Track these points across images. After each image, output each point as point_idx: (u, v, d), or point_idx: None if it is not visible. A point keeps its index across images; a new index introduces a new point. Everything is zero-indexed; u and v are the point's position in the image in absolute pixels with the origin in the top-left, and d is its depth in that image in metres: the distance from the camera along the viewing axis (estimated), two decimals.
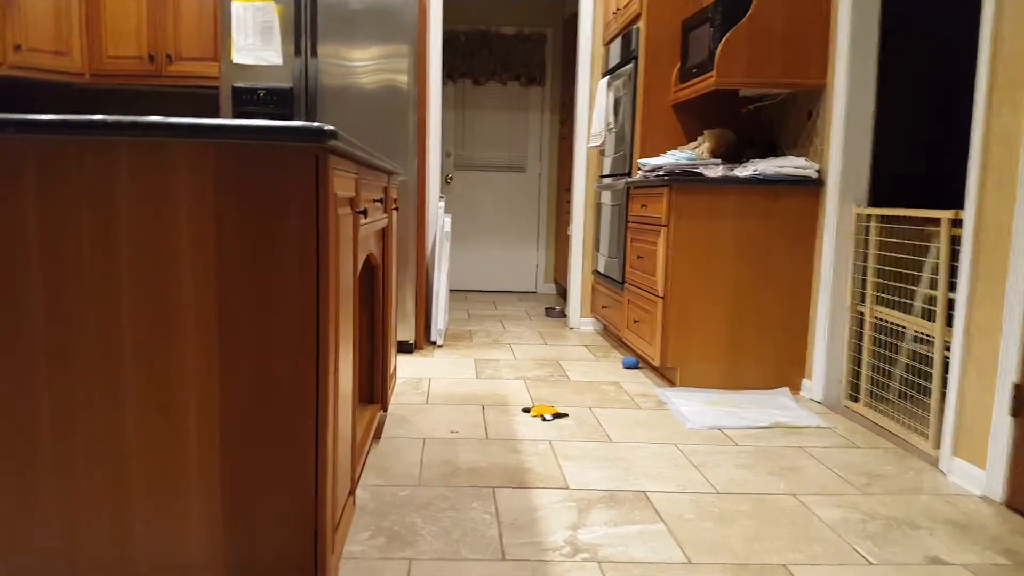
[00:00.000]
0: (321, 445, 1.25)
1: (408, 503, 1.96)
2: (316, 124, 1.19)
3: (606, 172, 4.42)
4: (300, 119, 3.53)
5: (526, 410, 2.85)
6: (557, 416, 2.78)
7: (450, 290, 6.45)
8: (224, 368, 1.22)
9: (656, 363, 3.31)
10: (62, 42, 3.80)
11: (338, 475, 1.42)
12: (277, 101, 3.48)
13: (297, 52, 3.49)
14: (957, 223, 2.48)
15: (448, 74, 6.18)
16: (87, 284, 1.20)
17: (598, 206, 4.55)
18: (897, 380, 2.98)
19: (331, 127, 1.20)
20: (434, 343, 4.07)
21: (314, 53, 3.49)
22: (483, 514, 1.91)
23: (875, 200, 3.19)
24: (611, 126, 4.26)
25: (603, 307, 4.37)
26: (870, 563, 1.75)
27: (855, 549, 1.82)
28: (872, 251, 2.92)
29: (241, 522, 1.25)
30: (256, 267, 1.21)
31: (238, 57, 3.46)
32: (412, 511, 1.91)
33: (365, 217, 1.68)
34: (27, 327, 1.21)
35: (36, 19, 3.70)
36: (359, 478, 2.09)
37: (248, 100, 3.47)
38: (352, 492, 1.63)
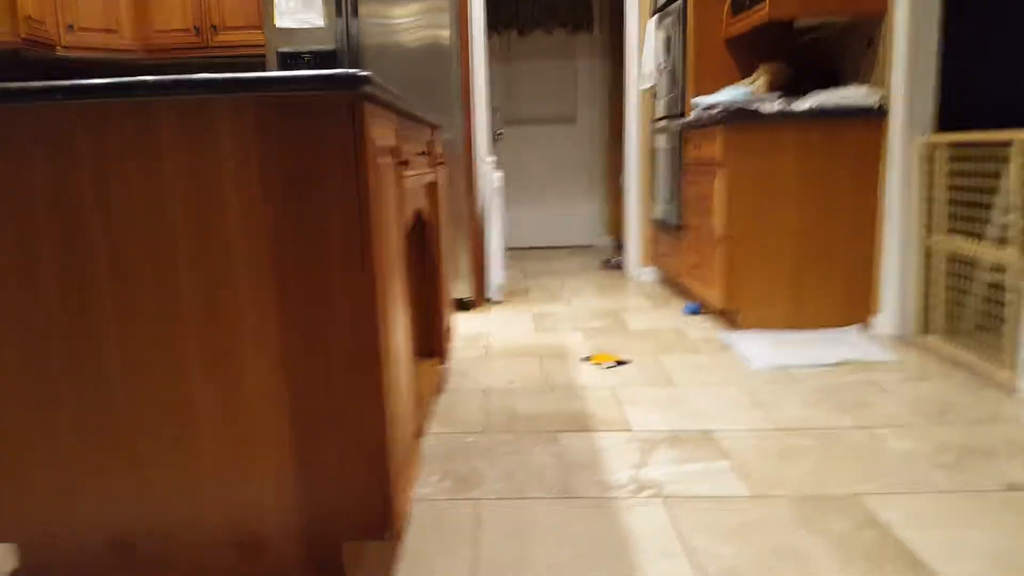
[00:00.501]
0: (382, 382, 1.27)
1: (473, 448, 1.99)
2: (350, 71, 1.18)
3: (659, 115, 4.31)
4: None
5: (586, 359, 2.84)
6: (619, 363, 2.76)
7: (505, 248, 6.45)
8: (282, 315, 1.25)
9: (718, 307, 3.25)
10: (111, 20, 3.89)
11: (403, 415, 1.45)
12: (321, 63, 3.50)
13: (338, 12, 3.49)
14: None
15: (492, 26, 6.08)
16: (143, 241, 1.24)
17: (652, 151, 4.45)
18: (971, 311, 2.85)
19: (365, 72, 1.19)
20: (491, 300, 4.09)
21: (355, 13, 3.49)
22: (546, 456, 1.92)
23: (943, 127, 3.02)
24: (662, 66, 4.14)
25: (661, 255, 4.30)
26: (945, 491, 1.70)
27: (929, 478, 1.76)
28: (941, 180, 2.78)
29: (311, 464, 1.30)
30: (302, 214, 1.23)
31: (281, 21, 3.48)
32: (477, 456, 1.94)
33: (407, 167, 1.67)
34: (91, 286, 1.26)
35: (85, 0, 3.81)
36: (424, 426, 2.14)
37: (293, 64, 3.50)
38: (418, 436, 1.68)
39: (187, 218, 1.23)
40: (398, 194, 1.56)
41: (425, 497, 1.72)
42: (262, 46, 3.80)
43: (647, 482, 1.77)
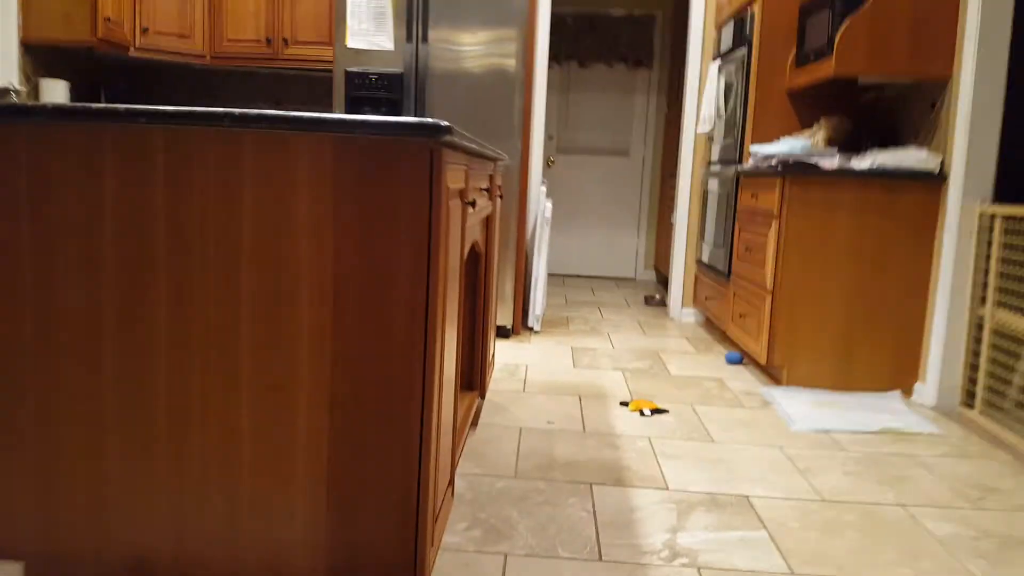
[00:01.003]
0: (426, 435, 1.28)
1: (505, 495, 1.98)
2: (432, 121, 1.20)
3: (714, 159, 4.29)
4: (409, 103, 3.60)
5: (624, 404, 2.82)
6: (656, 412, 2.74)
7: (548, 274, 6.45)
8: (337, 352, 1.27)
9: (762, 360, 3.21)
10: (186, 25, 4.01)
11: (440, 465, 1.45)
12: (388, 85, 3.56)
13: (408, 38, 3.55)
14: None
15: (554, 56, 6.13)
16: (209, 267, 1.27)
17: (704, 194, 4.43)
18: (1016, 389, 2.77)
19: (446, 123, 1.21)
20: (531, 328, 4.09)
21: (425, 39, 3.55)
22: (580, 511, 1.91)
23: (1002, 197, 2.96)
24: (721, 112, 4.13)
25: (706, 298, 4.27)
26: None
27: (967, 567, 1.71)
28: (996, 252, 2.72)
29: (344, 508, 1.30)
30: (369, 257, 1.25)
31: (352, 42, 3.55)
32: (508, 504, 1.93)
33: (473, 208, 1.69)
34: (150, 308, 1.29)
35: (162, 3, 3.93)
36: (457, 465, 2.13)
37: (360, 84, 3.56)
38: (451, 483, 1.67)
39: (255, 248, 1.26)
40: (462, 233, 1.58)
41: (453, 546, 1.69)
42: (330, 62, 3.88)
43: (682, 549, 1.75)
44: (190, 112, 1.24)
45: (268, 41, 4.02)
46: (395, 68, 3.56)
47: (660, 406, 2.80)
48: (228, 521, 1.32)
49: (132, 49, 3.85)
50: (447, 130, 1.21)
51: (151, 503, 1.33)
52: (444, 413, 1.47)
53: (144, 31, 3.86)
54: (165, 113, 1.24)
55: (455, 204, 1.46)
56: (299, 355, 1.28)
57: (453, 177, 1.41)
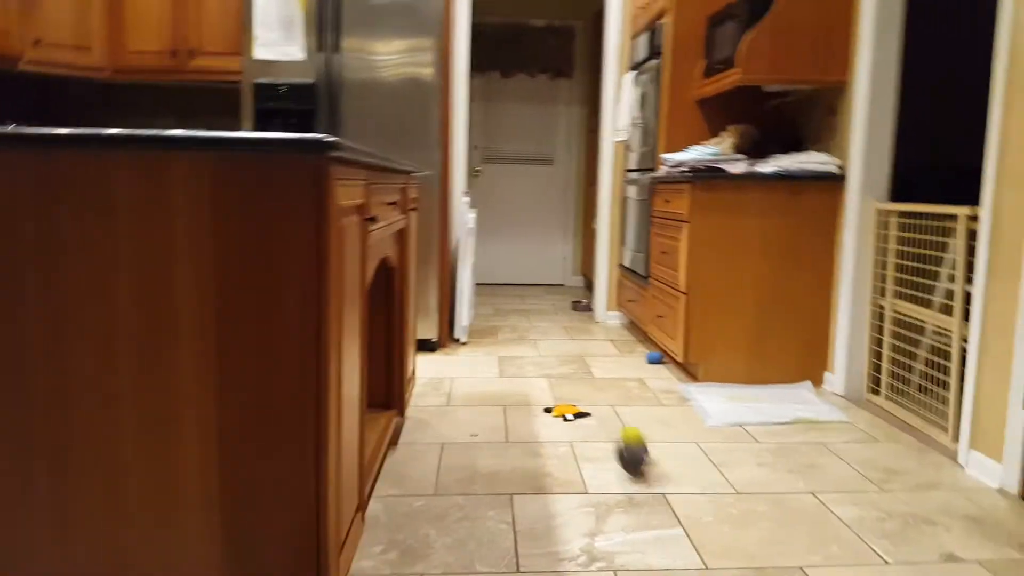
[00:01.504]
0: (323, 459, 1.25)
1: (423, 514, 1.95)
2: (317, 136, 1.19)
3: (632, 166, 4.38)
4: (323, 114, 3.55)
5: (548, 410, 2.85)
6: (579, 416, 2.77)
7: (477, 284, 6.46)
8: (223, 380, 1.22)
9: (679, 358, 3.28)
10: (83, 37, 3.79)
11: (343, 491, 1.43)
12: (299, 96, 3.50)
13: (320, 47, 3.51)
14: (975, 219, 2.42)
15: (476, 66, 6.16)
16: (84, 296, 1.21)
17: (624, 200, 4.52)
18: (917, 374, 2.92)
19: (333, 138, 1.20)
20: (458, 340, 4.08)
21: (337, 48, 3.51)
22: (499, 524, 1.90)
23: (897, 195, 3.12)
24: (637, 121, 4.22)
25: (629, 301, 4.35)
26: (886, 563, 1.73)
27: (872, 548, 1.79)
28: (892, 246, 2.87)
29: (240, 539, 1.25)
30: (256, 279, 1.22)
31: (260, 52, 3.48)
32: (426, 522, 1.90)
33: (374, 223, 1.68)
34: (23, 339, 1.21)
35: (56, 13, 3.67)
36: (372, 489, 2.09)
37: (270, 96, 3.50)
38: (361, 507, 1.63)
39: (132, 276, 1.20)
40: (362, 250, 1.56)
41: (367, 571, 1.66)
42: (238, 73, 3.78)
43: (599, 553, 1.77)
44: (57, 135, 1.18)
45: (173, 53, 3.90)
46: (306, 79, 3.51)
47: (583, 410, 2.83)
48: (117, 562, 1.26)
49: (22, 63, 3.64)
50: (334, 146, 1.20)
51: (31, 548, 1.26)
52: (346, 436, 1.45)
53: (36, 43, 3.66)
54: (30, 136, 1.18)
55: (351, 221, 1.44)
56: (183, 386, 1.23)
57: (348, 194, 1.39)
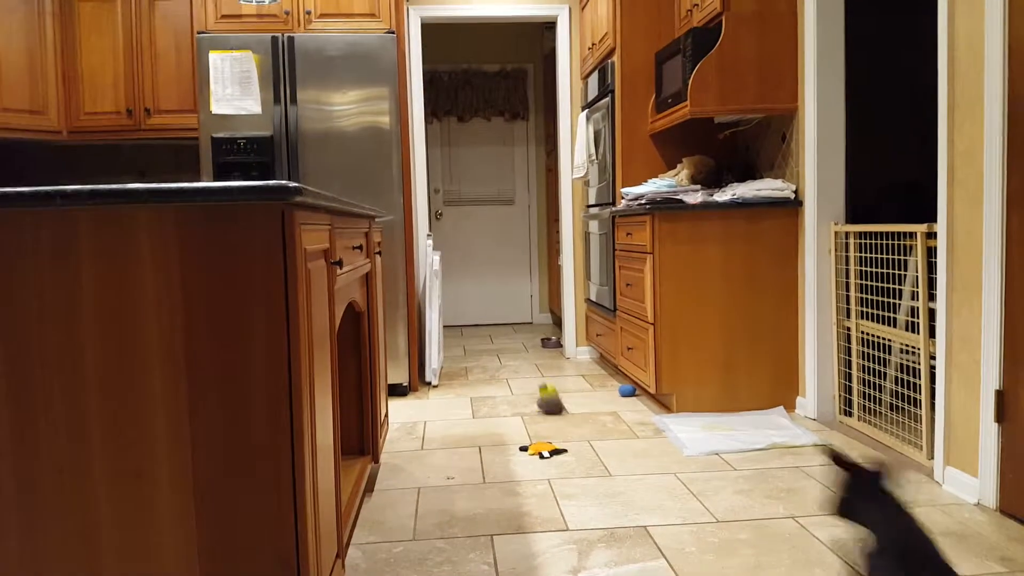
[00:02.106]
0: (300, 509, 1.22)
1: (402, 560, 1.91)
2: (280, 183, 1.18)
3: (592, 202, 4.44)
4: (281, 165, 3.55)
5: (524, 448, 2.82)
6: (555, 452, 2.75)
7: (445, 326, 6.43)
8: (196, 429, 1.20)
9: (652, 390, 3.29)
10: (38, 101, 3.81)
11: (322, 538, 1.39)
12: (257, 149, 3.50)
13: (276, 100, 3.52)
14: (932, 235, 2.49)
15: (432, 112, 6.23)
16: (49, 355, 1.18)
17: (586, 235, 4.56)
18: (887, 393, 2.97)
19: (295, 184, 1.20)
20: (429, 383, 4.04)
21: (293, 100, 3.52)
22: (481, 565, 1.87)
23: (855, 214, 3.21)
24: (593, 158, 4.29)
25: (597, 335, 4.36)
26: None
27: (856, 570, 1.78)
28: (853, 267, 2.93)
29: None
30: (224, 328, 1.20)
31: (217, 108, 3.48)
32: (407, 568, 1.86)
33: (340, 268, 1.67)
34: None
35: (11, 78, 3.71)
36: (349, 537, 2.05)
37: (228, 150, 3.49)
38: (340, 555, 1.59)
39: (99, 333, 1.18)
40: (329, 294, 1.55)
41: None
42: (195, 129, 3.78)
43: None
44: (17, 193, 1.17)
45: (129, 112, 3.88)
46: (264, 132, 3.51)
47: (559, 446, 2.81)
48: None
49: None
50: (297, 191, 1.20)
51: None
52: (322, 481, 1.42)
53: None
54: None
55: (317, 266, 1.43)
56: (156, 440, 1.20)
57: (313, 238, 1.39)
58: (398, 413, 3.44)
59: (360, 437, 2.32)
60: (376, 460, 2.38)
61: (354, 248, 2.02)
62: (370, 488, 2.44)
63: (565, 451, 2.78)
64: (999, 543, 1.91)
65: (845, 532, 2.00)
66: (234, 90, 3.49)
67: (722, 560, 1.86)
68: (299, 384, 1.22)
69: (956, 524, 2.03)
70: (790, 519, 2.10)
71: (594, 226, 4.30)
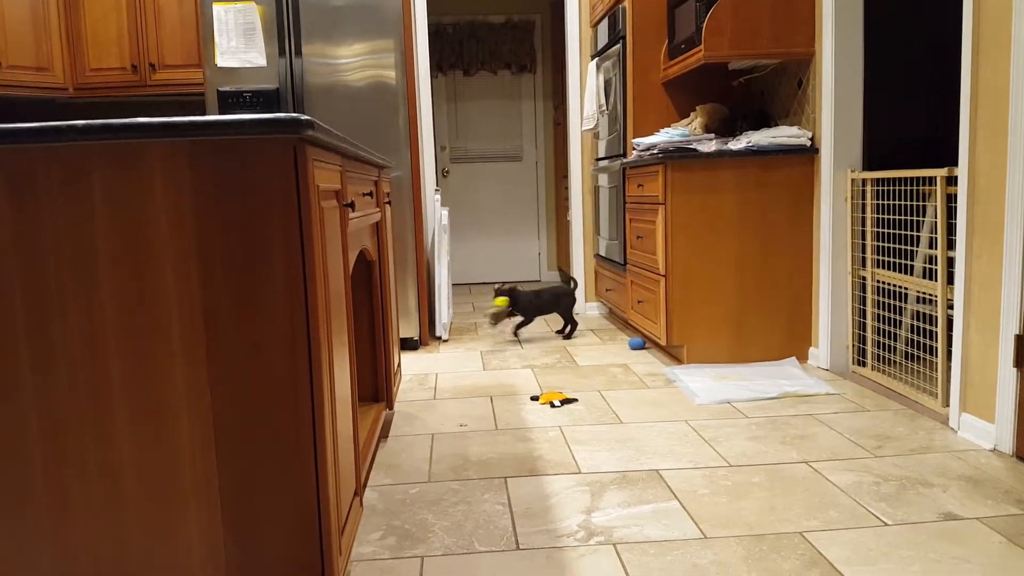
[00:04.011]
0: (320, 445, 1.23)
1: (419, 500, 1.94)
2: (291, 115, 1.16)
3: (601, 155, 4.39)
4: None
5: (535, 398, 2.83)
6: (566, 402, 2.76)
7: (454, 284, 6.43)
8: (214, 368, 1.20)
9: (662, 342, 3.28)
10: (43, 58, 3.78)
11: (341, 475, 1.40)
12: (263, 103, 3.46)
13: (281, 52, 3.47)
14: (952, 181, 2.44)
15: (438, 66, 6.14)
16: (68, 294, 1.18)
17: (596, 190, 4.52)
18: (903, 342, 2.95)
19: (307, 117, 1.17)
20: (439, 338, 4.05)
21: (298, 52, 3.47)
22: (495, 505, 1.89)
23: (870, 164, 3.15)
24: (603, 108, 4.22)
25: (607, 290, 4.35)
26: (885, 524, 1.73)
27: (870, 511, 1.79)
28: (870, 215, 2.89)
29: (242, 529, 1.23)
30: (240, 265, 1.19)
31: (222, 60, 3.44)
32: (423, 508, 1.89)
33: (352, 210, 1.65)
34: (8, 342, 1.19)
35: (15, 36, 3.68)
36: (367, 478, 2.07)
37: (234, 103, 3.45)
38: (358, 493, 1.61)
39: (116, 268, 1.18)
40: (342, 237, 1.54)
41: (367, 556, 1.64)
42: (201, 84, 3.74)
43: (597, 528, 1.75)
44: (31, 129, 1.15)
45: (134, 68, 3.84)
46: (269, 84, 3.46)
47: (570, 396, 2.82)
48: (119, 558, 1.23)
49: None
50: (308, 124, 1.17)
51: (33, 552, 1.23)
52: (340, 421, 1.42)
53: None
54: (2, 132, 1.15)
55: (330, 206, 1.42)
56: (174, 378, 1.20)
57: (325, 177, 1.37)
58: (409, 366, 3.45)
59: (374, 384, 2.33)
60: (390, 407, 2.39)
61: (364, 195, 2.00)
62: (384, 435, 2.46)
63: (576, 400, 2.79)
64: (1015, 487, 1.91)
65: (859, 476, 2.01)
66: (238, 42, 3.44)
67: (735, 502, 1.87)
68: (316, 319, 1.22)
69: (971, 469, 2.03)
70: (803, 464, 2.11)
71: (604, 179, 4.25)
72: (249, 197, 1.19)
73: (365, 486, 2.02)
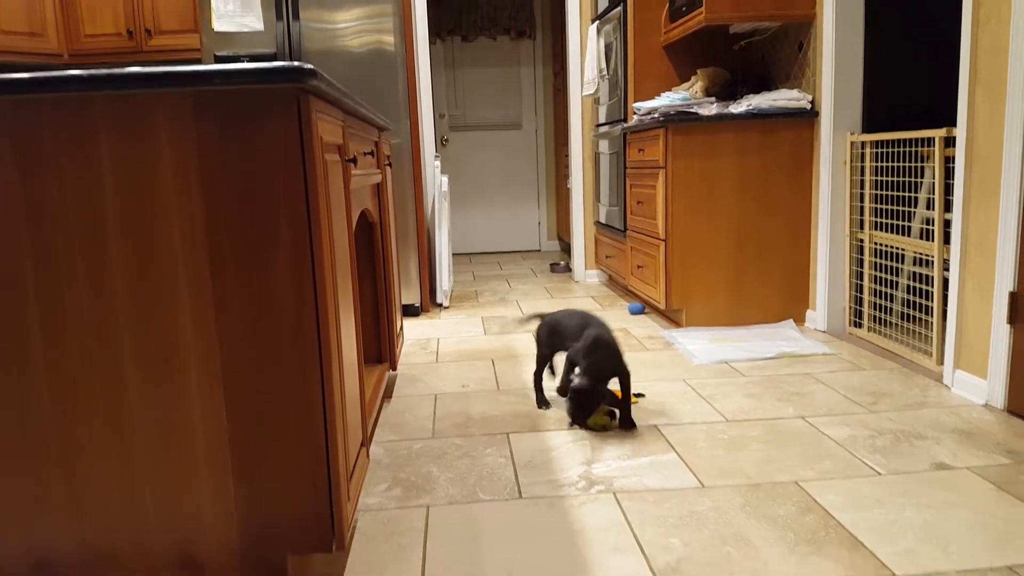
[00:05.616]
0: (327, 391, 1.25)
1: (423, 454, 1.98)
2: (295, 64, 1.17)
3: (602, 120, 4.38)
4: None
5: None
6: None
7: (454, 253, 6.45)
8: (221, 322, 1.22)
9: (661, 306, 3.31)
10: (36, 23, 3.75)
11: (349, 422, 1.43)
12: None
13: (279, 16, 3.44)
14: (950, 143, 2.45)
15: (436, 32, 6.09)
16: (74, 245, 1.20)
17: (596, 156, 4.52)
18: (899, 303, 2.98)
19: (311, 66, 1.18)
20: (440, 305, 4.08)
21: (296, 16, 3.45)
22: (498, 458, 1.93)
23: (869, 127, 3.15)
24: (604, 73, 4.21)
25: (607, 257, 4.36)
26: (879, 474, 1.77)
27: (864, 462, 1.83)
28: (868, 177, 2.90)
29: (252, 477, 1.26)
30: (245, 214, 1.21)
31: (219, 24, 3.41)
32: (427, 462, 1.93)
33: (355, 166, 1.66)
34: (17, 294, 1.21)
35: (8, 1, 3.65)
36: (372, 434, 2.11)
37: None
38: (365, 444, 1.64)
39: (122, 220, 1.20)
40: (345, 192, 1.55)
41: (374, 507, 1.68)
42: (198, 50, 3.72)
43: (597, 478, 1.79)
44: (34, 79, 1.16)
45: (130, 33, 3.81)
46: (267, 49, 3.45)
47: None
48: (131, 509, 1.27)
49: None
50: (312, 73, 1.18)
51: (45, 502, 1.26)
52: (347, 369, 1.45)
53: None
54: (6, 83, 1.16)
55: (333, 159, 1.43)
56: (182, 330, 1.22)
57: (327, 130, 1.38)
58: (411, 331, 3.48)
59: (378, 345, 2.36)
60: (394, 368, 2.42)
61: (366, 154, 2.01)
62: (388, 395, 2.49)
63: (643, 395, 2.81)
64: (1006, 439, 1.95)
65: (854, 430, 2.04)
66: (235, 6, 3.41)
67: (733, 454, 1.91)
68: (322, 269, 1.23)
69: (964, 423, 2.07)
70: (799, 419, 2.14)
71: (604, 145, 4.25)
72: (253, 148, 1.20)
73: (371, 440, 2.06)
